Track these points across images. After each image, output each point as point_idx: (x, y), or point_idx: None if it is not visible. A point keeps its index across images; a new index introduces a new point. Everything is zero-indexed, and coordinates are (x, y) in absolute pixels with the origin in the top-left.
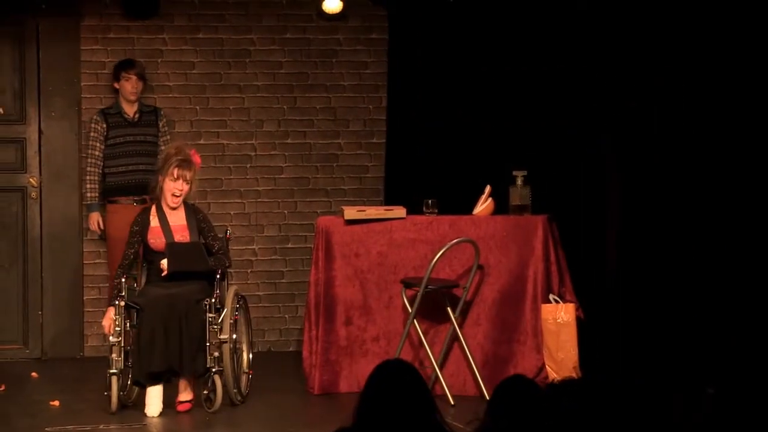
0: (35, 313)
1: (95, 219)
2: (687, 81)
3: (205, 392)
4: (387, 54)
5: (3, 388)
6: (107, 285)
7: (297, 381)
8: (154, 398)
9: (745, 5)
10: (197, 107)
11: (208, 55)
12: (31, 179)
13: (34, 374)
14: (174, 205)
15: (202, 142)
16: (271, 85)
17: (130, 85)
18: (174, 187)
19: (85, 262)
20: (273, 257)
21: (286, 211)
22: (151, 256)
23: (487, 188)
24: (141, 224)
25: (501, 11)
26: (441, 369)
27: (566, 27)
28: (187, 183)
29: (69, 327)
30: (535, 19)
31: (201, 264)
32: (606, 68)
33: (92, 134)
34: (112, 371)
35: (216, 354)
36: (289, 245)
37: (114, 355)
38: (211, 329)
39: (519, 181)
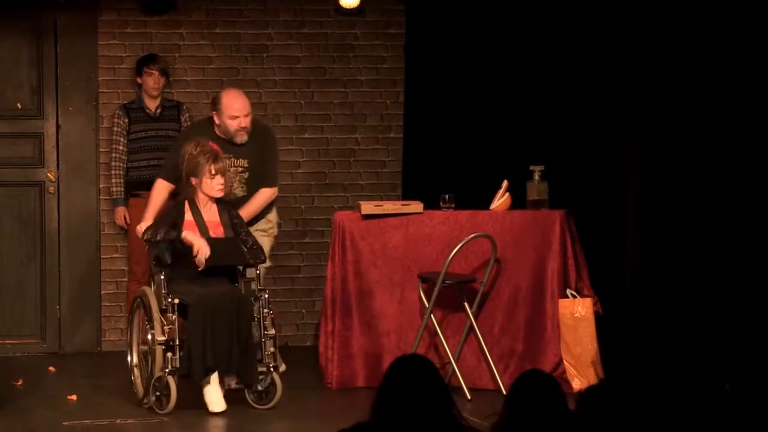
0: (53, 308)
1: (121, 213)
2: (702, 77)
3: (260, 389)
4: (404, 49)
5: (21, 382)
6: (125, 279)
7: (314, 376)
8: (215, 394)
9: None
10: None
11: (226, 50)
12: (48, 174)
13: (51, 368)
14: (221, 195)
15: None
16: (289, 79)
17: (152, 81)
18: (217, 183)
19: (102, 256)
20: (290, 252)
21: (303, 206)
22: (179, 250)
23: (505, 183)
24: (178, 211)
25: (518, 6)
26: (458, 364)
27: (583, 22)
28: (224, 175)
29: (86, 321)
30: (552, 13)
31: (238, 258)
32: (622, 63)
33: (115, 129)
34: (169, 370)
35: (272, 350)
36: (306, 240)
37: (170, 354)
38: (265, 324)
39: (536, 176)
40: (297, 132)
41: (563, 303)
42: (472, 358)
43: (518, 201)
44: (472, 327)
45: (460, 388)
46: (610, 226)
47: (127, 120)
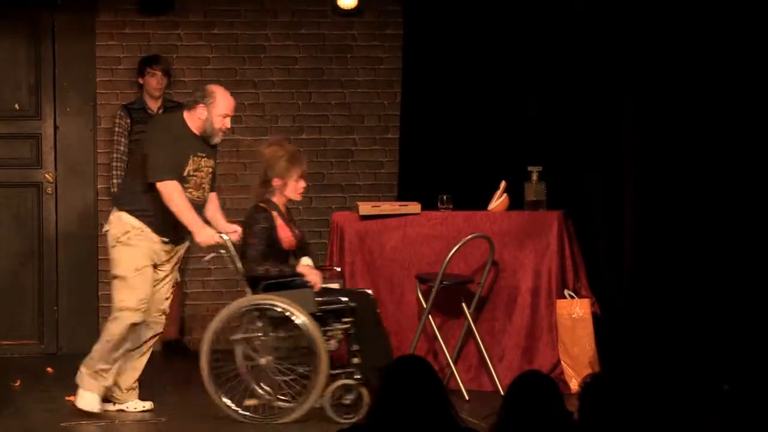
0: (50, 309)
1: None
2: (700, 77)
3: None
4: (402, 49)
5: (18, 383)
6: None
7: None
8: None
9: None
10: None
11: (223, 50)
12: (46, 175)
13: (49, 369)
14: (300, 199)
15: None
16: (286, 80)
17: (155, 81)
18: (301, 187)
19: (100, 257)
20: None
21: (300, 207)
22: (276, 254)
23: (502, 184)
24: (268, 221)
25: (516, 7)
26: (456, 364)
27: (580, 22)
28: (306, 180)
29: (84, 323)
30: (549, 14)
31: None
32: (620, 63)
33: (117, 129)
34: (360, 376)
35: (357, 360)
36: None
37: (356, 359)
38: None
39: (534, 177)
40: (294, 133)
41: (561, 304)
42: (470, 359)
43: (516, 202)
44: (470, 328)
45: (459, 388)
46: (607, 226)
47: (128, 120)
